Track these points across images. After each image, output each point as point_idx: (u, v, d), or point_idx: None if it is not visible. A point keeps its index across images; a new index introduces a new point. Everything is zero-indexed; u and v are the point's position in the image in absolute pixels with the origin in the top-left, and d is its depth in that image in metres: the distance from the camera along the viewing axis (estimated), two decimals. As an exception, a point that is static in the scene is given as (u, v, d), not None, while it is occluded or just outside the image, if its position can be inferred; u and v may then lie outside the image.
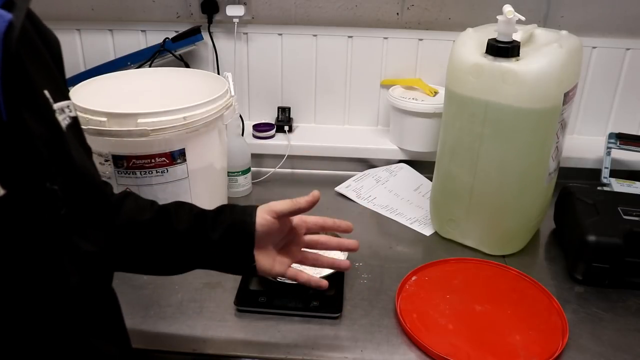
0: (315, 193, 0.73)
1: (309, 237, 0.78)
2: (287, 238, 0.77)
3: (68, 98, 0.58)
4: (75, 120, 0.58)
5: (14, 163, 0.45)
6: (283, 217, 0.73)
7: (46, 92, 0.53)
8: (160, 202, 0.91)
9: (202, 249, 0.71)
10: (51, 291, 0.50)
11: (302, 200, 0.73)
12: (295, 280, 0.77)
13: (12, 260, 0.46)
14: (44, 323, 0.50)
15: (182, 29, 1.29)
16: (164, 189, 0.92)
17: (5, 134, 0.45)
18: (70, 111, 0.57)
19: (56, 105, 0.54)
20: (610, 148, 1.25)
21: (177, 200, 0.77)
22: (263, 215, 0.72)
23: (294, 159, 1.35)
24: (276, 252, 0.75)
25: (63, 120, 0.55)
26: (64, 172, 0.52)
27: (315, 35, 1.31)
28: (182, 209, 0.74)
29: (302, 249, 0.79)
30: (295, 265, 0.79)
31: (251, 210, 0.72)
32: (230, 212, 0.73)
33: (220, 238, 0.70)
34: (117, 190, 0.91)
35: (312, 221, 0.77)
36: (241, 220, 0.71)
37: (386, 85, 1.34)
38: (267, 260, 0.73)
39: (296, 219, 0.76)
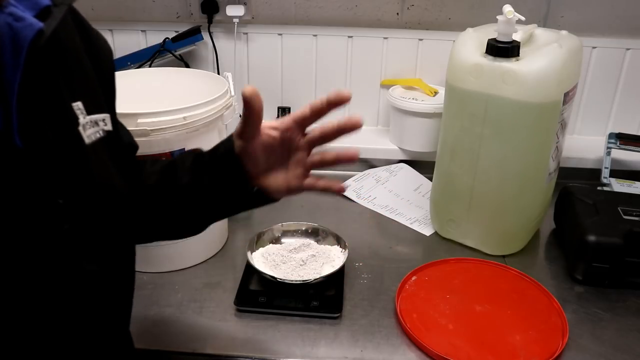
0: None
1: (310, 137, 0.71)
2: (286, 154, 0.69)
3: (107, 111, 0.57)
4: (109, 134, 0.57)
5: (16, 178, 0.45)
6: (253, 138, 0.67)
7: (78, 104, 0.51)
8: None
9: (204, 194, 0.69)
10: (43, 297, 0.49)
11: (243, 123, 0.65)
12: (314, 188, 0.70)
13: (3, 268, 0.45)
14: (43, 322, 0.50)
15: (182, 29, 1.29)
16: (164, 189, 0.92)
17: (16, 158, 0.45)
18: (106, 124, 0.56)
19: (88, 118, 0.53)
20: (610, 148, 1.25)
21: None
22: (236, 141, 0.68)
23: (294, 159, 1.35)
24: (284, 168, 0.69)
25: (93, 134, 0.53)
26: (76, 187, 0.51)
27: (315, 35, 1.31)
28: (186, 158, 0.72)
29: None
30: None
31: (228, 138, 0.69)
32: (217, 149, 0.71)
33: (211, 182, 0.68)
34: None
35: (311, 137, 0.70)
36: (224, 152, 0.68)
37: (386, 85, 1.34)
38: (279, 180, 0.68)
39: (292, 133, 0.69)
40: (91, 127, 0.53)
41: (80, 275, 0.52)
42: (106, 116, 0.56)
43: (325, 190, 0.71)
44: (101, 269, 0.55)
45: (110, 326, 0.61)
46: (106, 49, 0.60)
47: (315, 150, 0.71)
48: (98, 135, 0.54)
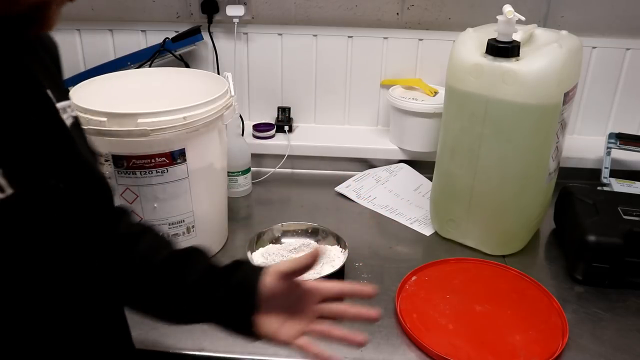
0: (314, 251, 0.66)
1: (322, 307, 0.69)
2: (299, 306, 0.68)
3: (68, 98, 0.59)
4: (77, 120, 0.58)
5: (21, 162, 0.46)
6: (289, 279, 0.67)
7: (49, 92, 0.53)
8: (160, 202, 0.92)
9: (206, 305, 0.67)
10: (52, 287, 0.50)
11: (301, 259, 0.66)
12: (304, 352, 0.67)
13: (18, 258, 0.46)
14: (44, 322, 0.50)
15: (182, 29, 1.29)
16: (164, 189, 0.92)
17: (12, 134, 0.46)
18: (72, 111, 0.58)
19: (58, 105, 0.54)
20: (610, 148, 1.25)
21: (189, 246, 0.72)
22: (268, 278, 0.66)
23: (294, 159, 1.35)
24: (284, 319, 0.67)
25: (67, 119, 0.55)
26: (71, 169, 0.52)
27: (315, 35, 1.31)
28: (196, 258, 0.70)
29: (317, 318, 0.69)
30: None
31: (258, 272, 0.67)
32: (238, 273, 0.68)
33: (224, 297, 0.66)
34: (117, 190, 0.91)
35: (327, 288, 0.68)
36: (245, 284, 0.67)
37: (386, 85, 1.34)
38: (272, 325, 0.67)
39: (310, 287, 0.68)
40: (63, 113, 0.55)
41: (80, 253, 0.53)
42: (71, 102, 0.58)
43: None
44: (99, 249, 0.56)
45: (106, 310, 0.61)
46: (53, 44, 0.62)
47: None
48: (70, 121, 0.56)
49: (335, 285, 0.69)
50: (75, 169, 0.53)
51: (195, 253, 0.71)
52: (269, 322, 0.66)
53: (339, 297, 0.69)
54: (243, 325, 0.67)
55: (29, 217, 0.46)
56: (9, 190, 0.43)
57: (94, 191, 0.56)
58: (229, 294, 0.66)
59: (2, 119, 0.45)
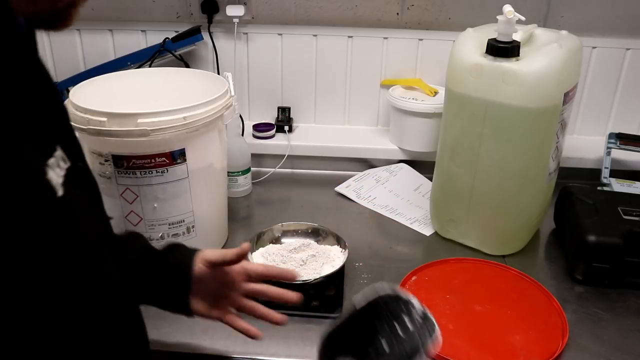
0: (244, 246, 0.74)
1: (248, 286, 0.76)
2: (227, 285, 0.76)
3: None
4: None
5: (67, 139, 0.48)
6: (216, 266, 0.74)
7: None
8: (160, 202, 0.92)
9: (145, 283, 0.73)
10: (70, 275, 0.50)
11: (230, 253, 0.73)
12: (231, 327, 0.76)
13: (76, 230, 0.46)
14: (60, 315, 0.49)
15: (182, 29, 1.29)
16: (164, 189, 0.92)
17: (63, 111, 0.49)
18: None
19: None
20: (610, 148, 1.25)
21: (133, 232, 0.78)
22: (197, 263, 0.73)
23: (294, 159, 1.35)
24: (214, 297, 0.75)
25: None
26: (79, 152, 0.54)
27: (315, 35, 1.31)
28: (135, 240, 0.75)
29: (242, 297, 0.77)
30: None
31: (191, 255, 0.74)
32: (173, 254, 0.75)
33: (162, 275, 0.73)
34: (117, 190, 0.91)
35: (252, 269, 0.76)
36: (180, 264, 0.73)
37: (386, 85, 1.34)
38: (204, 305, 0.74)
39: (237, 267, 0.75)
40: None
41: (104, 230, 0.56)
42: None
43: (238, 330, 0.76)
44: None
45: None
46: None
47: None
48: None
49: (259, 267, 0.79)
50: (80, 153, 0.55)
51: (133, 236, 0.77)
52: (200, 302, 0.74)
53: (264, 279, 0.76)
54: (180, 301, 0.73)
55: (79, 192, 0.48)
56: (69, 163, 0.46)
57: (90, 177, 0.57)
58: (166, 272, 0.73)
59: (47, 101, 0.48)
